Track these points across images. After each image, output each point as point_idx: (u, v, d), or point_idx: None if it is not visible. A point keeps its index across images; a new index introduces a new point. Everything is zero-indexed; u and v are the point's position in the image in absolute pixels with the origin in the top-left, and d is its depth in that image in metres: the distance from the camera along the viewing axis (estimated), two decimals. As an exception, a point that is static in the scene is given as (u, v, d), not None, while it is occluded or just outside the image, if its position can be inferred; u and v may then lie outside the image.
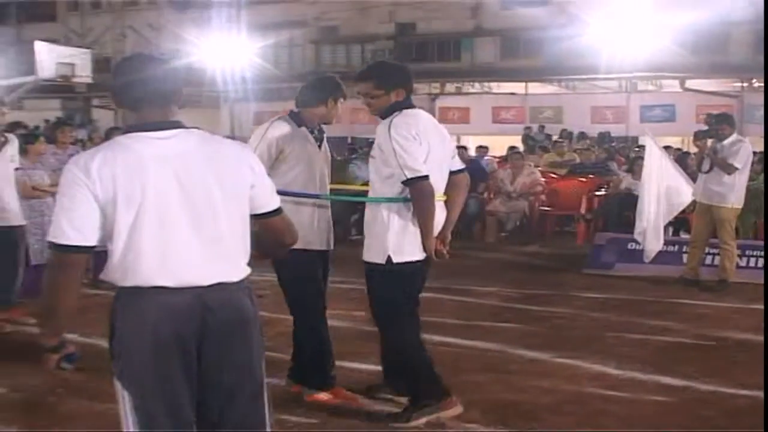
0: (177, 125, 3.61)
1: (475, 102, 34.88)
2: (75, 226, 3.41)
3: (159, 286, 3.45)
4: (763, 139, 17.85)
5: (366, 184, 15.75)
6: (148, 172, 3.44)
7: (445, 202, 6.03)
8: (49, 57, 26.60)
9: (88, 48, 31.14)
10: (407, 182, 5.59)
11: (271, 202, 3.81)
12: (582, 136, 25.77)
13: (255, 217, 3.75)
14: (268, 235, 3.92)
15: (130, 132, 3.58)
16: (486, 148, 21.18)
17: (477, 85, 37.25)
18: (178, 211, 3.48)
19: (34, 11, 48.38)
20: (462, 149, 17.53)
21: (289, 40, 38.11)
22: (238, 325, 3.61)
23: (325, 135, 6.53)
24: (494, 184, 15.90)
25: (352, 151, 20.45)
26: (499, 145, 24.65)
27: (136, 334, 3.47)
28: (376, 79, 5.93)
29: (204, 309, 3.50)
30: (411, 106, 5.89)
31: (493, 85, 36.24)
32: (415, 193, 5.62)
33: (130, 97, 3.63)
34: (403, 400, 6.06)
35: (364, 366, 7.17)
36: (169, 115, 3.63)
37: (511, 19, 34.74)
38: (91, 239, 3.43)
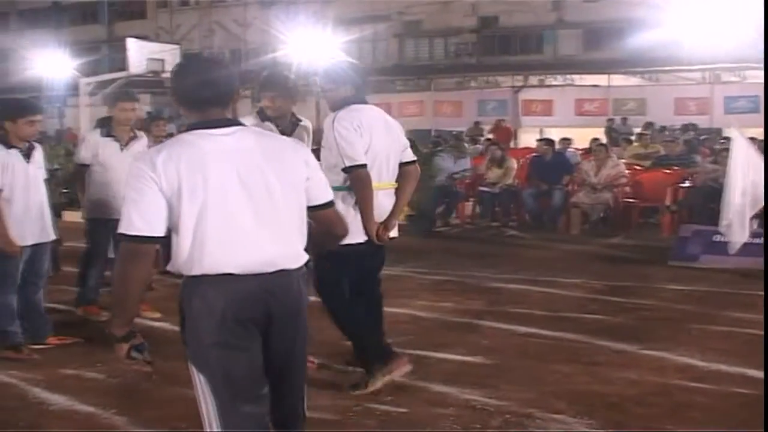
0: (236, 123, 3.81)
1: (558, 94, 34.67)
2: (144, 217, 3.58)
3: (225, 273, 3.64)
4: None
5: (452, 176, 15.99)
6: (210, 167, 3.63)
7: (396, 190, 6.52)
8: (140, 53, 26.99)
9: (177, 44, 31.60)
10: (346, 170, 6.10)
11: (324, 194, 4.01)
12: (665, 128, 25.53)
13: (309, 209, 3.92)
14: (320, 226, 4.09)
15: (192, 129, 3.77)
16: (570, 140, 21.11)
17: (560, 77, 37.04)
18: (239, 203, 3.67)
19: (124, 9, 49.29)
20: (547, 142, 17.55)
21: (372, 35, 38.25)
22: (296, 310, 3.85)
23: (301, 124, 6.89)
24: (579, 176, 15.87)
25: (436, 144, 20.47)
26: (581, 137, 24.55)
27: (205, 321, 3.67)
28: (327, 77, 6.52)
29: (267, 294, 3.71)
30: (360, 102, 6.39)
31: (576, 77, 36.00)
32: (353, 179, 6.14)
33: (191, 97, 3.80)
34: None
35: (450, 356, 7.25)
36: (227, 114, 3.82)
37: (594, 11, 34.54)
38: (158, 230, 3.60)
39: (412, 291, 10.06)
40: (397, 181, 6.54)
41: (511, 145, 28.15)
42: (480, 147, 22.78)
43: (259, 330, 3.76)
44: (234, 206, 3.66)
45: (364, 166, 6.13)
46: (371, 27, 37.75)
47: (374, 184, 6.24)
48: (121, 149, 8.41)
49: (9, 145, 7.06)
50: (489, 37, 38.28)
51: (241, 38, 43.83)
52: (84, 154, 8.42)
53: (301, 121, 6.88)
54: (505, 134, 28.35)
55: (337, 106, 6.36)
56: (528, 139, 30.47)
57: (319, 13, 36.53)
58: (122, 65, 31.61)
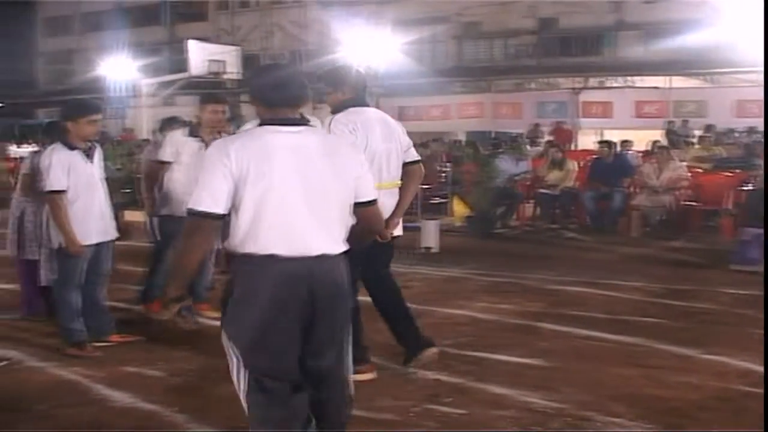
0: (304, 123, 4.30)
1: (618, 96, 34.37)
2: (212, 196, 4.06)
3: (273, 254, 4.06)
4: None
5: (512, 178, 15.99)
6: (275, 158, 4.10)
7: (400, 189, 6.75)
8: (201, 55, 27.36)
9: (236, 45, 31.85)
10: None
11: (370, 192, 4.43)
12: (733, 131, 25.24)
13: (355, 205, 4.34)
14: (361, 222, 4.42)
15: (264, 125, 4.25)
16: (630, 142, 20.97)
17: (620, 79, 36.73)
18: (296, 192, 4.11)
19: (185, 11, 49.69)
20: (608, 144, 17.47)
21: (431, 36, 38.24)
22: (336, 291, 4.23)
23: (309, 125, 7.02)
24: (639, 178, 15.77)
25: (495, 146, 20.43)
26: (640, 139, 24.37)
27: (248, 298, 4.11)
28: (325, 81, 6.76)
29: (310, 275, 4.11)
30: (359, 104, 6.62)
31: (636, 79, 35.69)
32: None
33: (268, 97, 4.28)
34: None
35: (508, 358, 7.25)
36: (297, 114, 4.30)
37: (654, 12, 34.21)
38: (221, 208, 4.05)
39: (471, 292, 10.08)
40: (401, 180, 6.79)
41: (571, 147, 28.02)
42: (539, 149, 22.72)
43: (300, 311, 4.12)
44: (290, 195, 4.11)
45: None
46: (430, 28, 37.70)
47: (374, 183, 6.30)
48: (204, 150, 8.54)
49: (71, 146, 7.20)
50: (548, 38, 38.08)
51: (300, 39, 43.96)
52: (169, 151, 8.49)
53: (309, 121, 6.94)
54: (564, 136, 28.23)
55: (336, 108, 6.59)
56: (586, 141, 30.30)
57: (378, 14, 36.58)
58: (182, 66, 31.99)
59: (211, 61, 27.24)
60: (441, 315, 8.88)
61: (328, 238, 4.20)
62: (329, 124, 6.43)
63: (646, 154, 18.41)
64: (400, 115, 35.19)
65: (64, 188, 7.13)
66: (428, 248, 13.44)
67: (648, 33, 35.59)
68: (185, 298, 4.31)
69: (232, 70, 28.54)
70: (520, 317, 8.69)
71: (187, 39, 29.71)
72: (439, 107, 35.21)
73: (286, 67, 4.75)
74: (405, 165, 6.80)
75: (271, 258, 4.07)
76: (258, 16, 45.13)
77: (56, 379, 6.74)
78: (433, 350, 6.92)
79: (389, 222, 6.57)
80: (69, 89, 50.06)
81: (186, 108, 27.21)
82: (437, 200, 19.26)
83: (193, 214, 4.09)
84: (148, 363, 7.05)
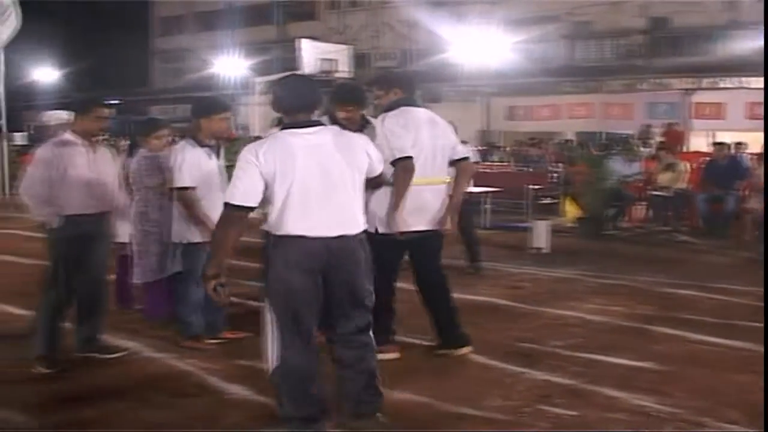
0: (319, 124, 5.26)
1: (730, 97, 33.67)
2: (244, 192, 5.04)
3: (299, 235, 5.06)
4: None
5: (624, 179, 15.86)
6: (297, 157, 5.05)
7: (452, 186, 7.24)
8: (312, 53, 27.63)
9: (346, 44, 32.05)
10: (394, 162, 6.77)
11: (378, 169, 5.53)
12: None
13: (368, 180, 5.43)
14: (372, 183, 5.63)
15: (286, 128, 5.21)
16: (745, 144, 20.57)
17: (733, 80, 35.96)
18: (316, 184, 5.08)
19: (296, 11, 50.17)
20: (723, 146, 17.18)
21: (541, 36, 37.98)
22: (351, 261, 5.22)
23: (369, 126, 7.25)
24: (753, 181, 15.48)
25: (607, 147, 20.24)
26: (752, 141, 23.88)
27: (283, 268, 5.10)
28: (377, 84, 7.38)
29: (328, 252, 5.12)
30: (409, 104, 7.12)
31: (751, 79, 34.92)
32: (398, 168, 6.79)
33: (288, 104, 5.25)
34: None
35: (620, 360, 7.18)
36: (312, 117, 5.25)
37: (768, 12, 33.48)
38: (252, 202, 5.05)
39: (581, 294, 10.04)
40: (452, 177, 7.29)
41: (682, 148, 27.58)
42: (650, 150, 22.42)
43: (320, 277, 5.15)
44: (312, 187, 5.07)
45: (410, 158, 6.83)
46: (540, 28, 37.46)
47: (420, 178, 6.91)
48: None
49: (200, 143, 7.38)
50: (659, 38, 37.50)
51: (409, 39, 44.05)
52: None
53: (369, 122, 7.22)
54: (676, 137, 27.76)
55: (388, 108, 7.11)
56: (698, 142, 29.77)
57: (488, 13, 36.47)
58: (293, 65, 32.33)
59: (322, 59, 27.48)
60: (551, 316, 8.86)
61: (344, 221, 5.19)
62: (382, 122, 6.97)
63: (760, 157, 18.02)
64: (510, 115, 35.07)
65: (194, 185, 7.33)
66: (538, 249, 13.41)
67: (762, 32, 34.83)
68: (219, 276, 5.09)
69: (343, 68, 28.75)
70: (631, 320, 8.63)
71: (298, 38, 30.00)
72: (548, 107, 34.84)
73: (300, 77, 5.89)
74: (455, 162, 7.27)
75: (298, 238, 5.07)
76: (368, 15, 45.32)
77: (173, 370, 6.91)
78: (467, 350, 7.28)
79: (443, 219, 7.14)
80: (181, 87, 51.05)
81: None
82: (548, 201, 19.20)
83: (228, 205, 5.07)
84: (260, 357, 7.15)
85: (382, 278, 6.74)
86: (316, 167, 5.09)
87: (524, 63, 33.87)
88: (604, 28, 38.10)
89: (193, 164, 7.33)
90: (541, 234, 13.60)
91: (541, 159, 23.61)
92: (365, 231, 5.38)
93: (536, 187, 18.74)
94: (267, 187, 5.04)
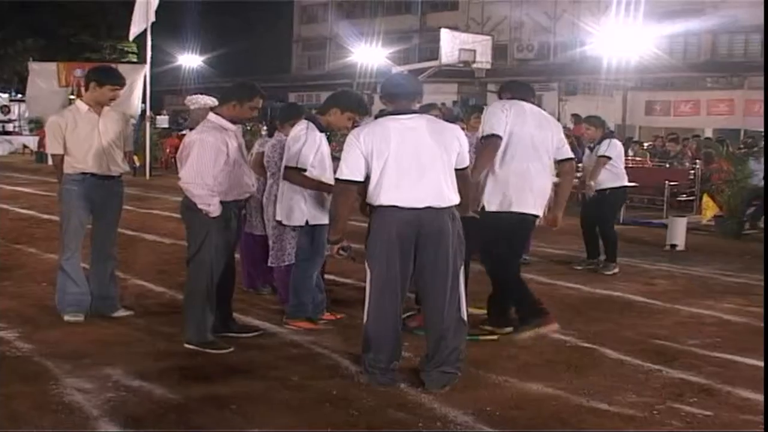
0: (415, 112, 6.11)
1: None
2: (350, 168, 5.94)
3: (394, 205, 5.87)
4: None
5: (764, 178, 15.43)
6: (392, 139, 5.90)
7: (556, 186, 7.62)
8: (452, 43, 27.59)
9: (487, 35, 31.96)
10: (483, 138, 7.34)
11: (465, 161, 6.19)
12: None
13: (456, 170, 6.06)
14: (459, 180, 6.09)
15: (386, 115, 6.15)
16: None
17: None
18: (408, 162, 5.87)
19: (437, 1, 50.33)
20: None
21: (685, 30, 37.23)
22: (438, 233, 5.93)
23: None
24: None
25: (749, 145, 19.78)
26: None
27: (380, 233, 5.95)
28: (502, 89, 7.94)
29: (419, 221, 5.88)
30: (519, 99, 7.55)
31: None
32: (484, 144, 7.35)
33: (388, 94, 6.22)
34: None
35: (758, 362, 6.93)
36: (411, 107, 6.10)
37: None
38: (357, 177, 5.93)
39: (717, 293, 9.86)
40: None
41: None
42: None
43: (412, 246, 5.92)
44: (404, 164, 5.86)
45: (498, 136, 7.23)
46: (684, 21, 36.73)
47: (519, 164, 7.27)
48: None
49: (321, 129, 7.46)
50: (808, 33, 36.43)
51: (551, 31, 43.75)
52: None
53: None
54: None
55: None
56: None
57: (631, 6, 35.91)
58: (431, 54, 32.39)
59: (462, 50, 27.44)
60: (686, 314, 8.73)
61: (434, 195, 5.90)
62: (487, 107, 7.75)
63: None
64: (647, 109, 34.50)
65: (313, 167, 7.42)
66: (674, 246, 13.22)
67: None
68: (341, 241, 6.15)
69: (483, 59, 28.66)
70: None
71: (438, 28, 30.00)
72: (687, 102, 34.20)
73: (401, 74, 6.84)
74: (559, 162, 7.59)
75: (392, 208, 5.88)
76: (509, 6, 45.18)
77: (307, 351, 7.01)
78: (505, 330, 7.51)
79: (553, 218, 7.64)
80: (320, 75, 51.68)
81: (435, 96, 27.63)
82: (684, 197, 18.89)
83: (338, 180, 6.04)
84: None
85: (497, 260, 7.49)
86: (410, 147, 5.91)
87: (665, 57, 33.25)
88: (752, 23, 37.08)
89: (315, 147, 7.43)
90: (677, 231, 13.39)
91: (680, 155, 23.18)
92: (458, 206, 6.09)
93: (674, 183, 18.47)
94: (367, 165, 5.91)
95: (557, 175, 7.64)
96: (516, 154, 7.26)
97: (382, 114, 6.71)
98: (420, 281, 6.14)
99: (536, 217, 7.48)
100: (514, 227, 7.43)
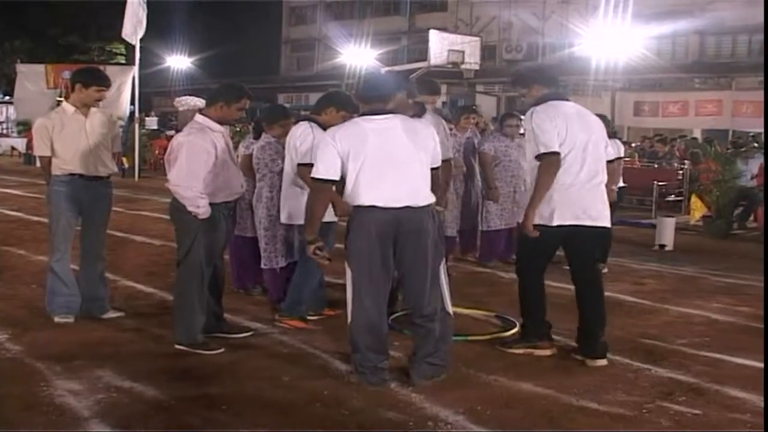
0: (389, 112, 6.09)
1: None
2: (326, 168, 5.96)
3: (372, 205, 5.90)
4: None
5: (752, 178, 15.46)
6: (369, 139, 5.93)
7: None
8: (441, 44, 27.67)
9: (476, 36, 32.01)
10: (539, 156, 6.68)
11: (438, 161, 6.24)
12: None
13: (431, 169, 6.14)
14: (433, 179, 6.20)
15: (362, 116, 6.16)
16: None
17: None
18: (384, 162, 5.90)
19: (426, 1, 50.37)
20: None
21: (673, 31, 37.30)
22: (417, 231, 5.98)
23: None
24: None
25: (737, 145, 19.85)
26: None
27: (359, 233, 5.97)
28: (517, 82, 7.43)
29: (397, 221, 5.92)
30: (557, 98, 6.94)
31: None
32: (543, 164, 6.67)
33: (362, 96, 6.24)
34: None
35: (747, 362, 7.04)
36: (385, 108, 6.08)
37: None
38: (333, 176, 5.96)
39: (706, 293, 9.91)
40: None
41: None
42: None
43: (391, 244, 5.97)
44: (381, 164, 5.89)
45: (557, 153, 6.66)
46: (672, 23, 36.79)
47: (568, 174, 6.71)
48: None
49: (323, 128, 7.47)
50: (796, 34, 36.56)
51: (539, 32, 43.78)
52: None
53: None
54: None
55: (536, 103, 6.90)
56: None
57: (619, 7, 35.96)
58: (420, 56, 32.44)
59: (451, 50, 27.51)
60: (675, 313, 8.77)
61: (411, 194, 5.95)
62: (531, 116, 6.81)
63: None
64: (635, 110, 34.59)
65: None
66: (663, 246, 13.27)
67: None
68: (317, 241, 6.08)
69: (471, 60, 28.71)
70: (758, 321, 8.45)
71: (427, 29, 30.10)
72: (675, 103, 34.28)
73: (376, 74, 7.13)
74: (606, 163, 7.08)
75: (370, 208, 5.90)
76: (497, 7, 45.17)
77: (298, 352, 7.02)
78: (602, 362, 6.84)
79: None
80: (308, 76, 51.67)
81: (422, 97, 27.57)
82: (673, 198, 18.96)
83: (314, 180, 6.04)
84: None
85: (525, 270, 7.15)
86: (386, 147, 5.95)
87: (653, 58, 33.32)
88: (739, 24, 37.19)
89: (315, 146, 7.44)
90: (666, 231, 13.45)
91: (668, 156, 23.25)
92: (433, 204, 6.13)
93: (662, 183, 18.53)
94: (343, 165, 5.95)
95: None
96: (568, 164, 6.73)
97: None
98: (402, 279, 6.26)
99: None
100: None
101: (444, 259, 6.38)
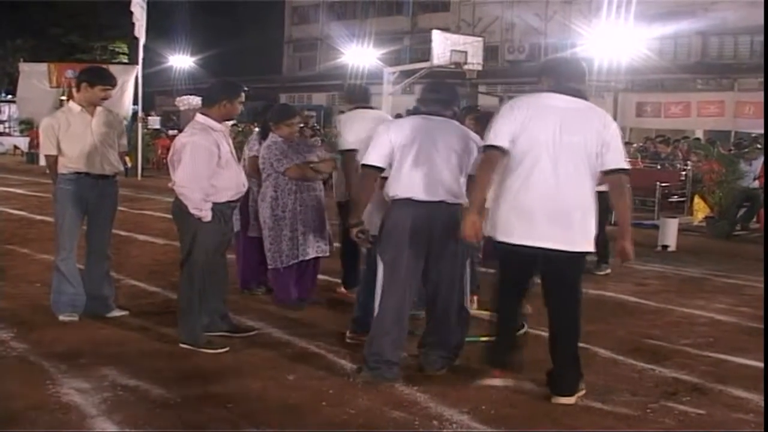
0: (439, 114, 6.31)
1: None
2: (376, 156, 6.20)
3: (408, 198, 6.12)
4: None
5: (755, 179, 15.44)
6: (418, 134, 6.17)
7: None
8: (444, 45, 27.59)
9: (478, 36, 31.97)
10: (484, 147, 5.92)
11: (472, 171, 6.16)
12: None
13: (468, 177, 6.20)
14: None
15: (414, 114, 6.48)
16: None
17: None
18: (424, 157, 6.11)
19: (428, 1, 50.37)
20: None
21: (675, 31, 37.28)
22: (447, 226, 6.09)
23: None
24: None
25: (740, 146, 19.84)
26: None
27: (393, 225, 6.17)
28: (537, 75, 6.38)
29: (431, 215, 6.11)
30: (554, 91, 5.79)
31: None
32: (477, 158, 6.09)
33: (427, 99, 6.45)
34: None
35: (750, 362, 7.07)
36: (436, 110, 6.31)
37: None
38: (381, 164, 6.19)
39: (709, 293, 9.95)
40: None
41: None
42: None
43: (425, 238, 6.12)
44: (421, 159, 6.11)
45: (497, 148, 5.72)
46: (674, 23, 36.77)
47: (527, 180, 5.72)
48: None
49: None
50: (798, 35, 36.55)
51: (541, 32, 43.79)
52: None
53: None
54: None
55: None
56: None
57: (622, 8, 35.94)
58: (423, 56, 32.39)
59: (453, 51, 27.46)
60: (679, 314, 8.79)
61: (443, 190, 6.11)
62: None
63: None
64: (637, 111, 34.54)
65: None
66: (665, 246, 13.29)
67: None
68: (360, 224, 6.30)
69: (474, 60, 28.66)
70: (761, 321, 8.47)
71: (430, 29, 30.03)
72: (678, 104, 34.20)
73: (441, 83, 7.23)
74: (604, 174, 5.91)
75: (408, 200, 6.11)
76: (500, 8, 45.19)
77: (303, 351, 7.02)
78: (567, 400, 5.89)
79: (618, 248, 6.13)
80: (311, 75, 51.69)
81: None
82: (676, 199, 18.96)
83: (364, 166, 6.25)
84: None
85: (499, 293, 6.25)
86: (432, 144, 6.14)
87: (656, 59, 33.29)
88: (741, 25, 37.17)
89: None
90: (669, 232, 13.47)
91: (671, 156, 23.24)
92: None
93: (665, 184, 18.53)
94: (393, 156, 6.18)
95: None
96: (525, 166, 5.75)
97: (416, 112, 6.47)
98: (428, 270, 6.30)
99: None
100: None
101: (469, 258, 6.54)
